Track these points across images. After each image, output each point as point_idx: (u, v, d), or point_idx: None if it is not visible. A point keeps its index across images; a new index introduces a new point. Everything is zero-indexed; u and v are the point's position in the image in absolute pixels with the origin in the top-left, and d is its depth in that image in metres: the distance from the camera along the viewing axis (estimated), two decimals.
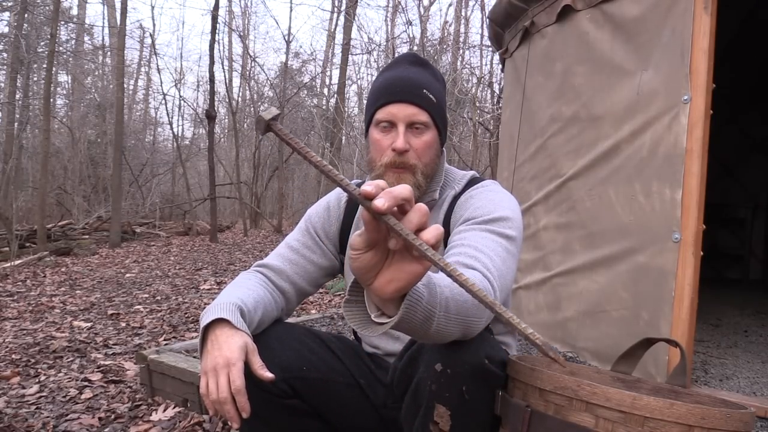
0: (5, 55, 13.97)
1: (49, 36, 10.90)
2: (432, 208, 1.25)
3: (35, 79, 15.03)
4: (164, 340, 3.40)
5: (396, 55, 11.00)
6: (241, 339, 1.00)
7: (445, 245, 1.15)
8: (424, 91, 1.18)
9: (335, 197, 1.37)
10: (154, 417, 2.09)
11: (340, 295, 4.73)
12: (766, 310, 3.75)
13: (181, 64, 30.11)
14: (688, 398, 1.04)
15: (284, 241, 1.34)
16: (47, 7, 12.77)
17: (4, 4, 13.61)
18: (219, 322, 1.03)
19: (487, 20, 3.47)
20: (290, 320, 1.64)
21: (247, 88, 16.58)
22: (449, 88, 8.97)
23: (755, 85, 4.85)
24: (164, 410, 2.13)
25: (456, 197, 1.23)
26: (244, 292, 1.14)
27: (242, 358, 0.98)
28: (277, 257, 1.30)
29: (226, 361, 0.97)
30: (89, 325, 3.89)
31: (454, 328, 0.83)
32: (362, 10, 23.45)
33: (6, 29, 14.34)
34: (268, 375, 1.00)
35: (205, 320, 1.04)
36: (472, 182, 1.27)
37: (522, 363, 0.97)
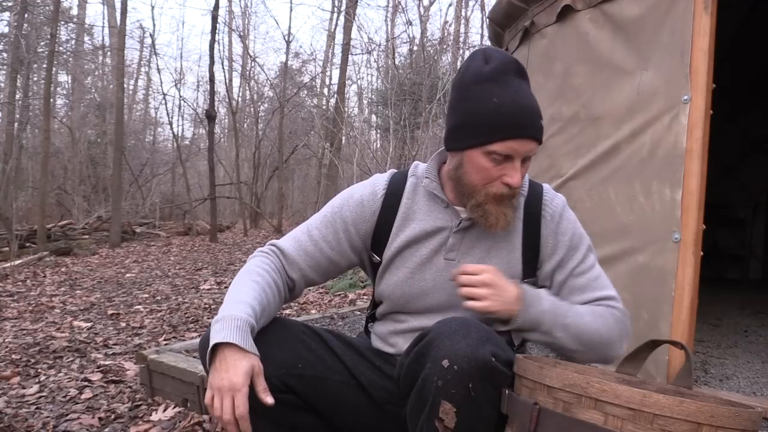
0: (5, 55, 13.98)
1: (49, 36, 10.91)
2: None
3: (35, 79, 15.04)
4: (164, 340, 3.40)
5: (396, 55, 10.99)
6: (248, 363, 1.01)
7: (538, 255, 1.24)
8: (541, 121, 1.12)
9: (369, 191, 1.28)
10: (154, 417, 2.09)
11: (340, 295, 4.73)
12: (766, 310, 3.75)
13: (181, 64, 30.21)
14: (693, 399, 1.04)
15: (305, 226, 1.29)
16: (47, 7, 12.76)
17: (4, 4, 13.60)
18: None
19: (487, 20, 3.47)
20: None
21: (247, 88, 16.58)
22: (449, 88, 8.95)
23: (755, 85, 4.85)
24: (164, 410, 2.13)
25: (527, 207, 1.22)
26: (257, 292, 1.13)
27: (247, 383, 1.00)
28: (294, 243, 1.26)
29: (232, 386, 0.98)
30: (89, 325, 3.89)
31: (580, 347, 1.17)
32: (362, 10, 23.46)
33: (6, 29, 14.34)
34: (269, 400, 1.02)
35: (217, 335, 1.02)
36: (533, 188, 1.25)
37: (530, 361, 0.97)
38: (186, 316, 4.11)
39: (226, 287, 5.55)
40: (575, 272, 1.22)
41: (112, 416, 2.14)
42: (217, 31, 11.61)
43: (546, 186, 1.27)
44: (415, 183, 1.27)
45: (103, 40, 18.84)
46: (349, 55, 13.34)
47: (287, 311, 4.02)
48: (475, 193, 1.14)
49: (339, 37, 14.73)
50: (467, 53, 11.36)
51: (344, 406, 1.19)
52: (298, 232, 1.29)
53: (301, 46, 28.04)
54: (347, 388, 1.19)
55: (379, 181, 1.29)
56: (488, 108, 1.08)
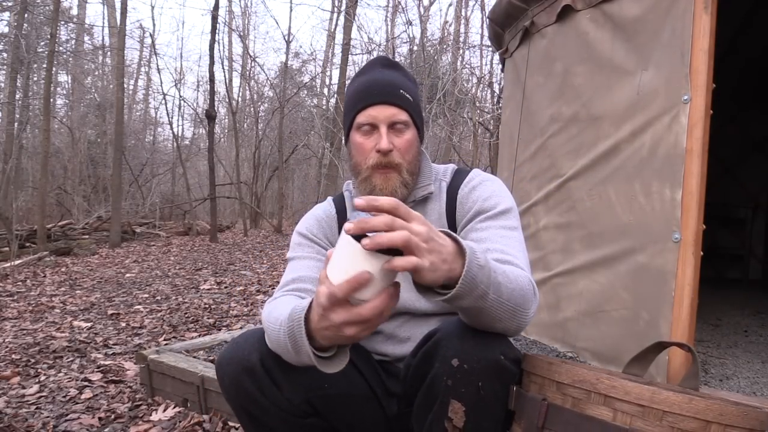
0: (5, 55, 13.96)
1: (49, 36, 10.90)
2: (429, 200, 1.28)
3: (35, 79, 15.03)
4: (164, 340, 3.40)
5: (396, 55, 11.00)
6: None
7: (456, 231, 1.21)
8: (401, 91, 1.21)
9: (322, 211, 1.34)
10: (154, 417, 2.09)
11: None
12: (766, 310, 3.75)
13: (181, 64, 30.12)
14: (702, 398, 1.04)
15: (289, 263, 1.28)
16: (47, 7, 12.76)
17: (4, 4, 13.60)
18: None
19: (487, 20, 3.47)
20: None
21: (247, 88, 16.58)
22: (449, 88, 8.99)
23: (756, 85, 4.85)
24: (164, 410, 2.13)
25: (450, 188, 1.27)
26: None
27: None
28: (293, 272, 1.23)
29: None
30: (89, 325, 3.89)
31: (504, 315, 0.90)
32: (362, 10, 23.48)
33: (6, 29, 14.34)
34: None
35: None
36: (459, 173, 1.31)
37: (539, 357, 0.97)
38: (186, 316, 4.10)
39: (226, 287, 5.55)
40: (477, 227, 1.15)
41: (112, 416, 2.14)
42: (217, 31, 11.61)
43: (475, 171, 1.31)
44: (348, 195, 1.36)
45: (103, 40, 18.85)
46: (349, 55, 13.34)
47: None
48: (360, 171, 1.22)
49: (339, 37, 14.73)
50: (467, 53, 11.38)
51: (363, 421, 1.19)
52: (288, 268, 1.27)
53: (301, 46, 28.04)
54: (367, 403, 1.19)
55: (326, 202, 1.38)
56: (350, 92, 1.26)
